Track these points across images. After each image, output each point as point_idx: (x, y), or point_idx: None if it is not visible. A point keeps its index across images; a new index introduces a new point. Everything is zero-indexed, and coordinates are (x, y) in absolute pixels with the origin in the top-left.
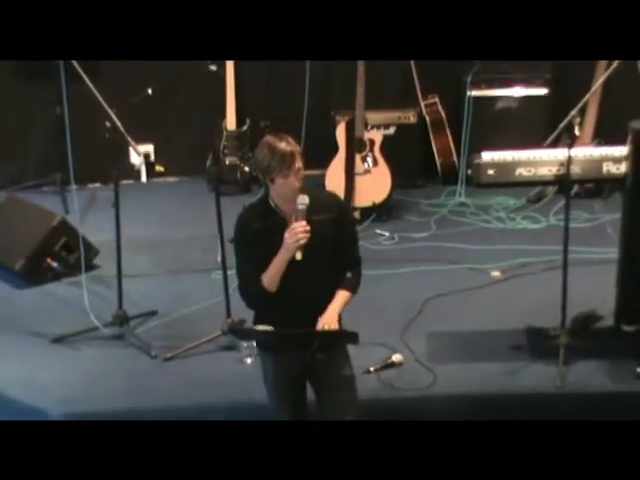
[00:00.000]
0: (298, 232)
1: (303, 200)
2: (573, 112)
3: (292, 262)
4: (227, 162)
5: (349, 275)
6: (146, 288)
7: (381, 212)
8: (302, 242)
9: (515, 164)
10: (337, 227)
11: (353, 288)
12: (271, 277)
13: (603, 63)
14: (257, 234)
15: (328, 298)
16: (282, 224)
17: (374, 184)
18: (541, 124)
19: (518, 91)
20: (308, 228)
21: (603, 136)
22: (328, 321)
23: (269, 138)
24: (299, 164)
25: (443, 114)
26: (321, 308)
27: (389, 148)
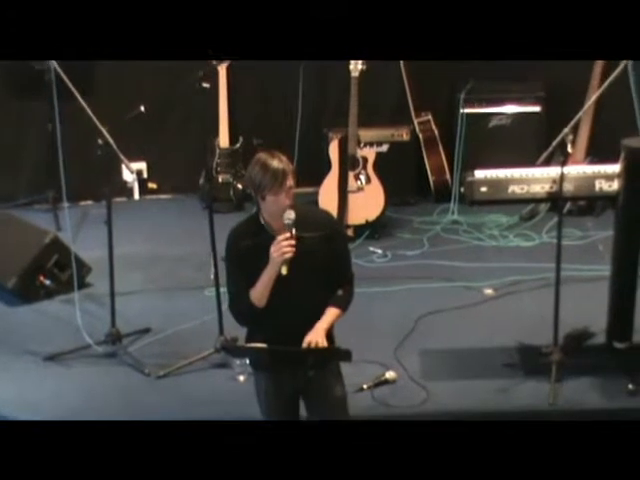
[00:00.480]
0: (283, 246)
1: (289, 215)
2: (566, 130)
3: (283, 279)
4: (220, 179)
5: (340, 292)
6: (139, 306)
7: (374, 230)
8: (287, 256)
9: (508, 182)
10: (329, 245)
11: (343, 306)
12: (259, 293)
13: (596, 81)
14: (247, 251)
15: (319, 315)
16: (271, 241)
17: (367, 202)
18: (534, 141)
19: (511, 109)
20: (293, 242)
21: (596, 153)
22: (314, 338)
23: (262, 155)
24: (290, 182)
25: (436, 132)
26: (312, 325)
27: (382, 166)
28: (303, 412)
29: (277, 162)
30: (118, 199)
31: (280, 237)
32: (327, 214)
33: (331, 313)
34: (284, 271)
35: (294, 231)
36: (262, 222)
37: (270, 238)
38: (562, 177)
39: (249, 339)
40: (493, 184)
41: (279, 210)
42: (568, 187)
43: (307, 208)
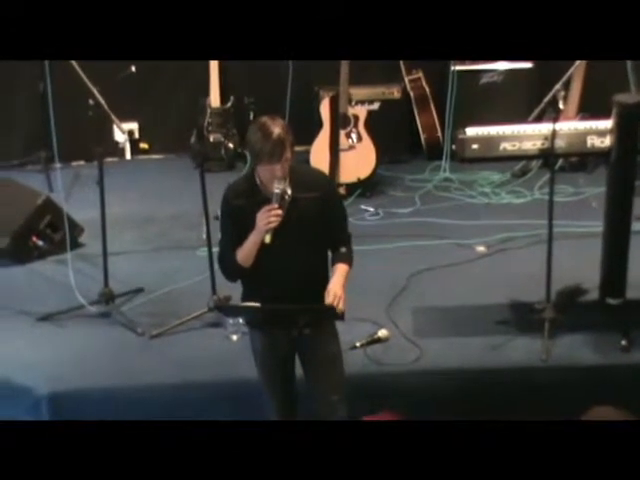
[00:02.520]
0: (268, 215)
1: (278, 185)
2: (557, 86)
3: (277, 240)
4: (211, 139)
5: (344, 249)
6: (132, 266)
7: (366, 188)
8: (272, 226)
9: (499, 138)
10: (324, 206)
11: (350, 262)
12: (244, 255)
13: None
14: (240, 209)
15: (313, 276)
16: (265, 202)
17: (359, 160)
18: (526, 98)
19: (503, 65)
20: (279, 212)
21: (587, 109)
22: (335, 289)
23: (265, 122)
24: (288, 154)
25: (427, 89)
26: (307, 286)
27: (373, 124)
28: (299, 370)
29: (278, 132)
30: (110, 159)
31: (267, 207)
32: (323, 175)
33: (343, 269)
34: (267, 240)
35: (288, 194)
36: (257, 182)
37: (264, 199)
38: (554, 133)
39: (245, 299)
40: (484, 141)
41: (271, 179)
42: (560, 143)
43: (303, 168)
